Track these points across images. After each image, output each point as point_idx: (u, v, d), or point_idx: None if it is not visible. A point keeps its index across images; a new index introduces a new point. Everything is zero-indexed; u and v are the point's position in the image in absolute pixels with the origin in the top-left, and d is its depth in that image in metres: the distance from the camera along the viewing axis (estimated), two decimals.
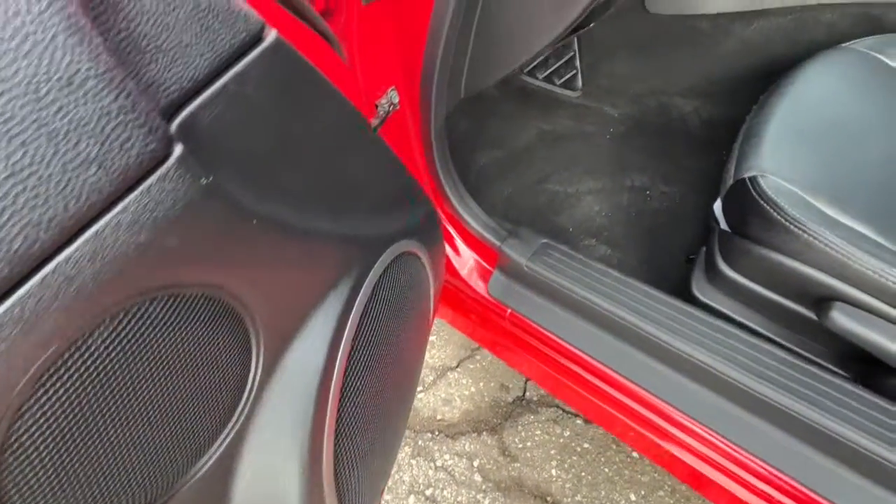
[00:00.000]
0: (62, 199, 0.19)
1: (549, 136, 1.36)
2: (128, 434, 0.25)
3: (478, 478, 1.15)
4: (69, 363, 0.21)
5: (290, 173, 0.29)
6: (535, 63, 1.41)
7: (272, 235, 0.27)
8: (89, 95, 0.18)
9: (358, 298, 0.35)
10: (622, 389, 0.77)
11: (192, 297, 0.25)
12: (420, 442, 1.21)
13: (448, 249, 0.95)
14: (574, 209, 1.18)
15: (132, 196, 0.20)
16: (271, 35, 0.27)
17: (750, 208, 0.71)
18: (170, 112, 0.21)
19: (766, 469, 0.65)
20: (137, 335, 0.23)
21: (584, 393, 0.82)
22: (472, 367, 1.34)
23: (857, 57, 0.90)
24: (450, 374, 1.32)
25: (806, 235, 0.64)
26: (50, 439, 0.22)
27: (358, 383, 0.36)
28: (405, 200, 0.45)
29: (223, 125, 0.23)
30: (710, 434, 0.70)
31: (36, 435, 0.21)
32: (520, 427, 1.21)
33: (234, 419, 0.31)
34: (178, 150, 0.21)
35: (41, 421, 0.21)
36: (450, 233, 0.93)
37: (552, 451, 1.17)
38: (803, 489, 0.63)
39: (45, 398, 0.21)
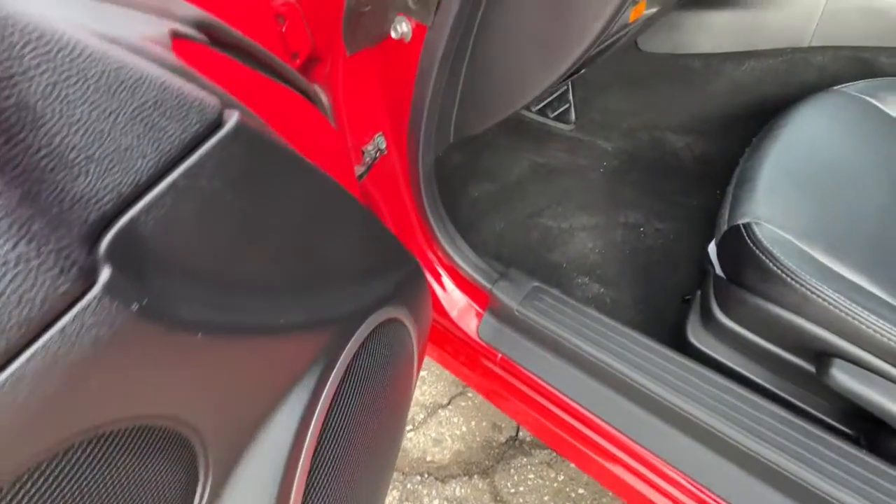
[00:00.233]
0: None
1: (542, 170, 1.35)
2: None
3: None
4: None
5: (253, 265, 0.27)
6: None
7: (223, 345, 0.25)
8: None
9: (326, 386, 0.33)
10: (614, 441, 0.75)
11: (125, 432, 0.22)
12: (409, 485, 1.17)
13: (438, 289, 0.93)
14: (567, 245, 1.17)
15: (37, 345, 0.17)
16: (232, 119, 0.25)
17: (745, 257, 0.69)
18: (101, 227, 0.19)
19: None
20: (57, 488, 0.20)
21: (576, 443, 0.79)
22: (463, 404, 1.30)
23: (849, 100, 0.90)
24: (441, 413, 1.29)
25: (803, 289, 0.62)
26: None
27: (326, 480, 0.33)
28: (386, 266, 0.42)
29: (170, 226, 0.21)
30: (705, 493, 0.67)
31: None
32: (512, 470, 1.17)
33: None
34: (104, 276, 0.19)
35: None
36: (440, 273, 0.91)
37: (545, 497, 1.13)
38: None
39: None
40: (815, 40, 1.05)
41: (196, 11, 0.31)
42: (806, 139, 0.84)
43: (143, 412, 0.22)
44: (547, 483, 1.15)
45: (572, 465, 1.17)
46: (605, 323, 0.77)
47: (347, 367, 0.35)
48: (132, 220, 0.20)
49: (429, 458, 1.21)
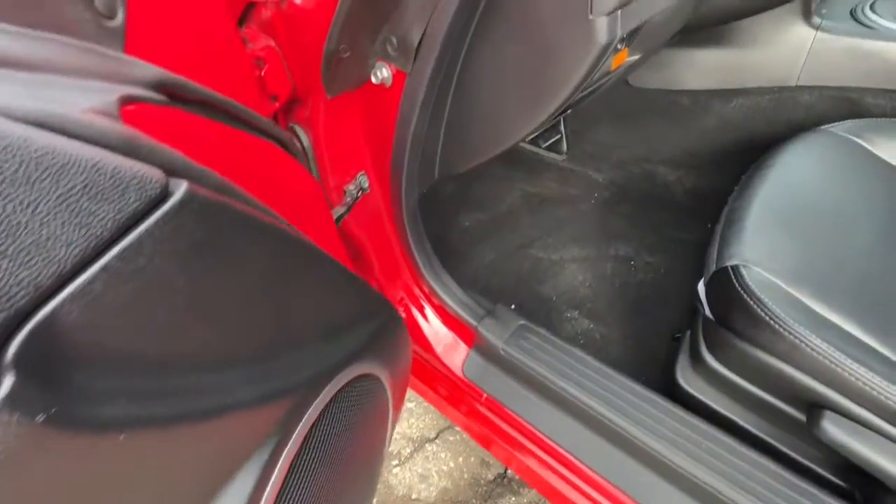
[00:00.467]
0: None
1: (534, 199, 1.35)
2: None
3: None
4: None
5: (198, 341, 0.25)
6: None
7: (154, 442, 0.23)
8: None
9: (280, 461, 0.30)
10: (599, 489, 0.72)
11: None
12: None
13: (424, 324, 0.91)
14: (557, 278, 1.15)
15: None
16: (179, 190, 0.24)
17: (733, 300, 0.68)
18: (10, 329, 0.18)
19: None
20: None
21: (560, 488, 0.77)
22: (451, 438, 1.27)
23: (836, 141, 0.90)
24: (428, 447, 1.26)
25: (791, 337, 0.61)
26: None
27: None
28: (357, 318, 0.41)
29: (99, 312, 0.20)
30: None
31: None
32: None
33: None
34: (4, 387, 0.17)
35: None
36: (425, 309, 0.89)
37: None
38: None
39: None
40: (803, 79, 1.06)
41: (154, 71, 0.30)
42: (793, 179, 0.84)
43: None
44: None
45: None
46: (591, 364, 0.75)
47: (305, 437, 0.33)
48: (52, 314, 0.18)
49: (414, 496, 1.18)
